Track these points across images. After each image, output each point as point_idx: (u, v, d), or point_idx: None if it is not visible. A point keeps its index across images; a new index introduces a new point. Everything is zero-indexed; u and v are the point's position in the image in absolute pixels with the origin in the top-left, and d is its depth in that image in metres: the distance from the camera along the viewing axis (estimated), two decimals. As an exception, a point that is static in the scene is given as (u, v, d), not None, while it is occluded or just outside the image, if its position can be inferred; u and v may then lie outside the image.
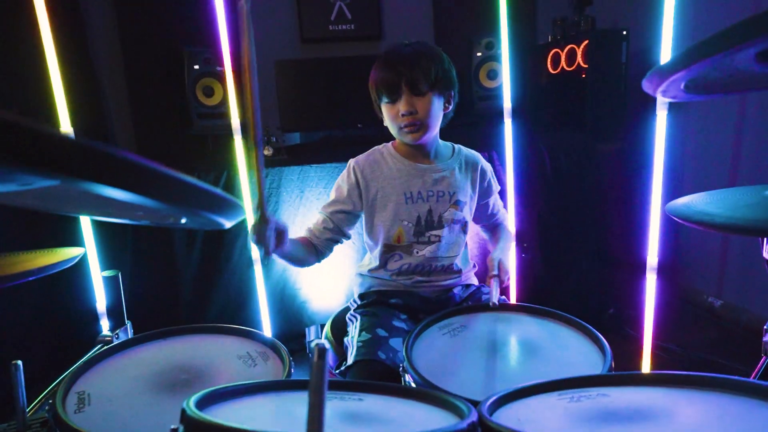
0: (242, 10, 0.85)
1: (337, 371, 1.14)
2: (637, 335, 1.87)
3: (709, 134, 2.36)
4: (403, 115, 1.19)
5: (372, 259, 1.33)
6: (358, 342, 1.14)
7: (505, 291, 1.20)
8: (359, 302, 1.32)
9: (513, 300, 2.02)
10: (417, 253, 1.27)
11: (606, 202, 2.27)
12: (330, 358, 1.18)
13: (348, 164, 1.31)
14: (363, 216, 1.31)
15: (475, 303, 1.28)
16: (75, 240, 1.73)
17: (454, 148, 1.34)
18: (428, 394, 0.76)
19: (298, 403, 0.70)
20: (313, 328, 1.56)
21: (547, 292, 2.22)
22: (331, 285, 2.15)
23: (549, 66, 2.53)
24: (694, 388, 0.67)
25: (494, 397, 0.68)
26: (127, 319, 1.41)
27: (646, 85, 0.68)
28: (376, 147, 1.34)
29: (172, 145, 2.50)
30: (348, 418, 0.67)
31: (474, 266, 1.41)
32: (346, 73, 2.41)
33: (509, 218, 1.69)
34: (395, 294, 1.29)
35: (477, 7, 2.59)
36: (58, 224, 1.82)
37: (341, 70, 2.44)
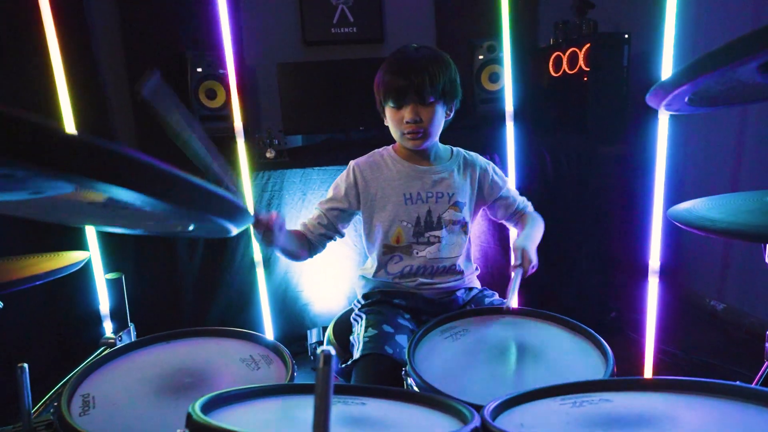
0: (141, 96, 0.79)
1: (343, 365, 1.14)
2: (639, 339, 1.87)
3: (711, 139, 2.36)
4: (407, 123, 1.20)
5: (373, 262, 1.34)
6: (364, 337, 1.14)
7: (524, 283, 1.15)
8: (363, 302, 1.32)
9: (515, 304, 2.02)
10: (417, 254, 1.28)
11: (608, 205, 2.27)
12: (335, 363, 1.18)
13: (348, 165, 1.33)
14: (362, 218, 1.32)
15: (477, 306, 1.29)
16: (79, 243, 1.74)
17: (452, 151, 1.35)
18: (431, 398, 0.76)
19: (302, 407, 0.70)
20: (314, 331, 1.56)
21: (549, 296, 2.22)
22: (332, 287, 2.16)
23: (551, 69, 2.54)
24: (696, 393, 0.67)
25: (497, 402, 0.68)
26: (130, 322, 1.42)
27: (650, 100, 0.68)
28: (376, 150, 1.35)
29: (174, 147, 2.50)
30: (351, 422, 0.67)
31: (476, 269, 1.41)
32: (348, 76, 2.41)
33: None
34: (398, 295, 1.30)
35: (479, 10, 2.59)
36: (62, 227, 1.82)
37: (343, 72, 2.44)
